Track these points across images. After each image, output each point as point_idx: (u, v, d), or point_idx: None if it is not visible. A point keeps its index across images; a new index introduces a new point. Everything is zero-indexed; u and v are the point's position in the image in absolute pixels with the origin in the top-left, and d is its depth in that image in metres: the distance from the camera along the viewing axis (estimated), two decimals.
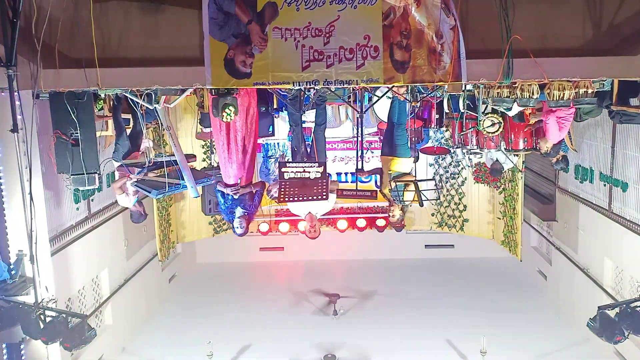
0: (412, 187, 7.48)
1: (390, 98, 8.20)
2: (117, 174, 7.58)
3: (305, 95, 7.85)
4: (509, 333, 10.22)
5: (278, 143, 11.62)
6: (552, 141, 7.83)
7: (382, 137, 9.65)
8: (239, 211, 7.47)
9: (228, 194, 7.38)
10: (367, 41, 5.59)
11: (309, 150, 8.09)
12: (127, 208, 9.28)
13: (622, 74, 5.87)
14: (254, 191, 7.54)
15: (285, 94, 7.71)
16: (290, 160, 8.19)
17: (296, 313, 11.64)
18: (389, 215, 8.30)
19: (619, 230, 8.93)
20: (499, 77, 5.58)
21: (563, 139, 8.22)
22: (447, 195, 11.91)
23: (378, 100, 8.21)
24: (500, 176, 10.84)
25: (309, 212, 7.62)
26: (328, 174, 7.36)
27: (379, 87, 7.41)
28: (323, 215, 8.02)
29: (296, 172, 7.20)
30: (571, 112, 7.21)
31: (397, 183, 7.49)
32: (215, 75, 5.67)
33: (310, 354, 9.88)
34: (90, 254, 9.17)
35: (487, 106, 7.72)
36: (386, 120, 8.44)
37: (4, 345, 6.28)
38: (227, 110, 6.18)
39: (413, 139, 8.22)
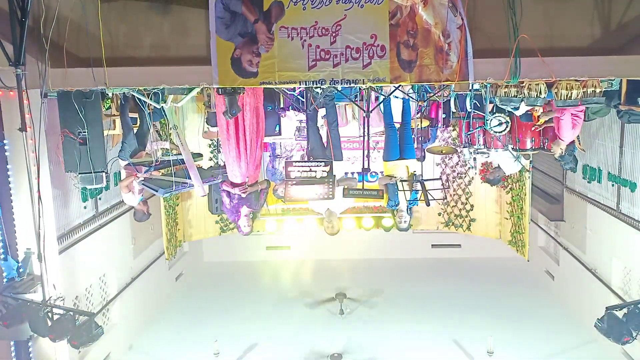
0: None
1: (397, 98, 8.19)
2: (123, 173, 7.62)
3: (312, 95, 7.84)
4: (516, 333, 10.18)
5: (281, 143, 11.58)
6: (566, 140, 7.65)
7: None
8: (244, 210, 7.49)
9: (234, 194, 7.40)
10: (373, 40, 5.58)
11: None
12: (133, 207, 9.28)
13: (631, 74, 5.84)
14: (259, 190, 7.56)
15: (298, 96, 7.71)
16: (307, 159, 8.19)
17: (303, 312, 11.65)
18: (400, 222, 8.19)
19: (628, 231, 8.87)
20: (506, 77, 5.56)
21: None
22: (454, 194, 11.86)
23: (384, 99, 8.20)
24: (498, 184, 10.78)
25: (328, 208, 7.64)
26: (345, 172, 7.35)
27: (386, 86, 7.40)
28: (342, 213, 8.02)
29: (302, 171, 7.22)
30: (582, 109, 7.16)
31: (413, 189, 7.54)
32: (222, 74, 5.68)
33: (317, 353, 9.88)
34: (98, 253, 9.22)
35: (494, 105, 7.70)
36: (396, 121, 8.40)
37: (11, 343, 6.33)
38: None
39: (420, 138, 8.21)
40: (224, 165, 7.66)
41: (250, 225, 7.43)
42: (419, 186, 7.80)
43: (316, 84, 5.76)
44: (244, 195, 7.36)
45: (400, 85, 7.22)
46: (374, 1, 5.53)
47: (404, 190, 7.76)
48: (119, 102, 7.62)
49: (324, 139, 8.01)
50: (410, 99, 8.22)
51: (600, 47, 5.72)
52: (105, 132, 7.07)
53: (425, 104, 8.54)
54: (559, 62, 5.56)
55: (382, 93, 8.00)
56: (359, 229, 11.76)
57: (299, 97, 8.38)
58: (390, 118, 8.31)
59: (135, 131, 7.53)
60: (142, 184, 7.38)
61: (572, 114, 7.18)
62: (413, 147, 8.15)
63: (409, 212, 8.09)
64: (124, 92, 6.64)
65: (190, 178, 7.43)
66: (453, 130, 11.07)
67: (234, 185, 7.38)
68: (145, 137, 7.53)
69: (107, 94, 6.81)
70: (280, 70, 5.67)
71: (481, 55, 5.60)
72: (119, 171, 9.56)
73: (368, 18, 5.56)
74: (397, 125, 8.39)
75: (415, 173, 7.96)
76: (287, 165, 7.38)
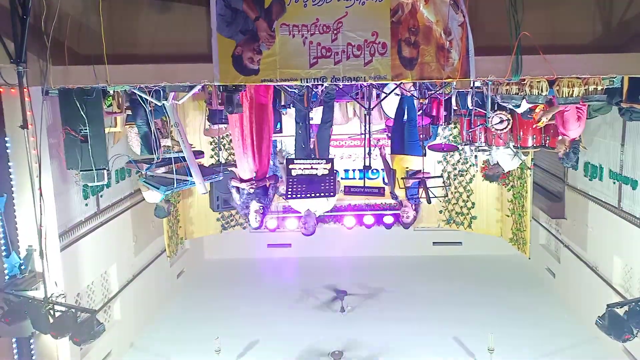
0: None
1: (398, 95, 8.18)
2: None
3: (313, 93, 7.85)
4: (517, 331, 10.19)
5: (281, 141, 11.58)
6: (571, 136, 7.51)
7: (389, 134, 9.64)
8: (254, 205, 7.51)
9: (244, 189, 7.44)
10: (375, 38, 5.57)
11: (312, 147, 8.10)
12: (135, 205, 9.31)
13: (632, 71, 5.82)
14: (268, 184, 7.60)
15: (295, 91, 7.72)
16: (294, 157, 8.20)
17: (303, 309, 11.67)
18: (403, 217, 8.17)
19: (629, 228, 8.88)
20: (507, 74, 5.55)
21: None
22: (455, 192, 11.86)
23: (386, 97, 8.20)
24: (497, 181, 10.77)
25: (307, 209, 7.65)
26: (345, 169, 7.35)
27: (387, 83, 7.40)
28: (327, 212, 7.99)
29: (303, 168, 7.22)
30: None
31: (413, 182, 7.50)
32: (223, 71, 5.67)
33: (318, 351, 9.91)
34: (99, 250, 9.24)
35: (495, 103, 7.68)
36: (392, 117, 8.41)
37: (13, 340, 6.35)
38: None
39: (421, 135, 8.19)
40: (226, 162, 7.68)
41: (259, 220, 7.46)
42: (411, 182, 7.77)
43: (317, 82, 5.75)
44: (252, 190, 7.39)
45: (401, 83, 7.22)
46: None
47: (405, 188, 7.75)
48: (120, 99, 7.64)
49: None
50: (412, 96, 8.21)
51: (602, 44, 5.70)
52: (107, 130, 7.08)
53: (426, 101, 8.54)
54: (560, 59, 5.53)
55: (383, 90, 8.00)
56: (359, 226, 11.77)
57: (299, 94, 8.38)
58: (396, 115, 8.28)
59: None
60: (144, 181, 7.39)
61: (575, 106, 7.13)
62: (419, 143, 8.14)
63: (413, 207, 8.04)
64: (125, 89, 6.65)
65: (191, 175, 7.44)
66: (454, 127, 11.08)
67: (242, 180, 7.42)
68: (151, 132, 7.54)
69: (109, 92, 6.82)
70: (282, 67, 5.65)
71: (482, 52, 5.58)
72: (121, 168, 9.59)
73: (369, 15, 5.55)
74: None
75: (409, 170, 7.92)
76: (288, 162, 7.38)
